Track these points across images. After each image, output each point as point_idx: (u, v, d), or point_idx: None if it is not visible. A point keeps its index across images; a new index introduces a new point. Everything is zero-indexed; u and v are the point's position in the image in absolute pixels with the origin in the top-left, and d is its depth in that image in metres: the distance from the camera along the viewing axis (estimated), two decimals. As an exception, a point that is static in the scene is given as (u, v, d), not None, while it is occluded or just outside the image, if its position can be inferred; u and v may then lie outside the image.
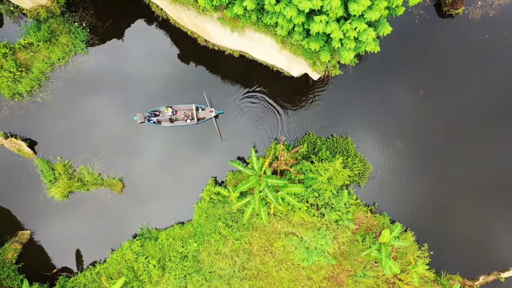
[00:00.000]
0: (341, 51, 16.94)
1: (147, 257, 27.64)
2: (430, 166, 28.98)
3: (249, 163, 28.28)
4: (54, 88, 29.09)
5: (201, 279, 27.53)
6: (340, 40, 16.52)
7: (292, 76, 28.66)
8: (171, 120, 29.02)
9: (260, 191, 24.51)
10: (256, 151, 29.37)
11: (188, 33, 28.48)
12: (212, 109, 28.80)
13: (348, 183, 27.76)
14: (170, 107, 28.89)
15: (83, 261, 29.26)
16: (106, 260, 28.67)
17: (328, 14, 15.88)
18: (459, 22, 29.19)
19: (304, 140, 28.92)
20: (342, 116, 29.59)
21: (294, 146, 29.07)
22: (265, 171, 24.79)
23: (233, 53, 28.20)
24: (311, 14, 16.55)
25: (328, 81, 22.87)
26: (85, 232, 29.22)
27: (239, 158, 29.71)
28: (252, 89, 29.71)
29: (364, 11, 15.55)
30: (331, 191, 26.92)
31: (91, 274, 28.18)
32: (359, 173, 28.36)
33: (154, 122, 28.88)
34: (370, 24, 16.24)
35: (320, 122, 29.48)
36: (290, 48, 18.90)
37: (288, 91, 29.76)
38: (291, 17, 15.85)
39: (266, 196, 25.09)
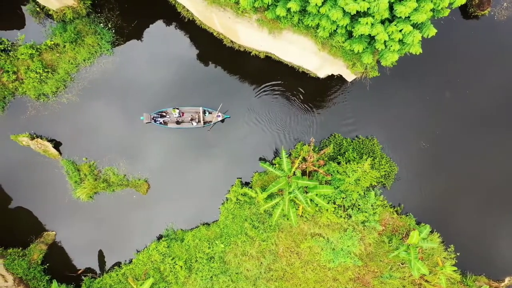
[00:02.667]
0: (384, 53, 16.95)
1: (173, 258, 27.64)
2: (455, 167, 28.97)
3: (275, 164, 28.29)
4: (80, 89, 29.06)
5: (227, 280, 27.54)
6: (384, 42, 16.52)
7: (318, 78, 28.66)
8: (177, 122, 28.90)
9: (290, 192, 24.55)
10: (288, 154, 29.38)
11: (214, 34, 28.45)
12: (219, 113, 28.74)
13: (375, 184, 27.74)
14: (177, 108, 28.76)
15: (106, 262, 29.28)
16: (131, 261, 28.69)
17: (373, 16, 15.89)
18: (485, 23, 29.16)
19: (330, 141, 28.92)
20: (367, 117, 29.55)
21: (320, 147, 29.05)
22: (294, 172, 24.82)
23: (259, 54, 28.18)
24: (355, 16, 16.55)
25: (363, 82, 22.82)
26: (110, 233, 29.27)
27: (261, 159, 29.68)
28: (276, 88, 29.69)
29: (410, 13, 15.55)
30: (358, 192, 26.89)
31: (117, 275, 28.20)
32: (385, 174, 28.35)
33: (161, 123, 28.78)
34: (414, 26, 16.24)
35: (346, 123, 29.47)
36: (329, 50, 18.88)
37: (314, 92, 29.74)
38: (337, 19, 15.84)
39: (295, 198, 25.13)
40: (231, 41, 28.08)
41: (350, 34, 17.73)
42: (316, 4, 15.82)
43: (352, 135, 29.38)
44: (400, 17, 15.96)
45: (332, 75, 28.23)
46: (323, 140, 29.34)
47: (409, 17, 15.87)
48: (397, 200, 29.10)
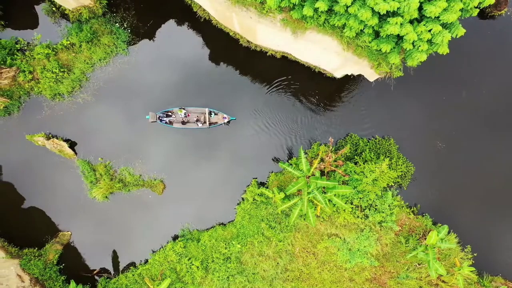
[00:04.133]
0: (412, 53, 16.88)
1: (190, 258, 27.59)
2: (472, 167, 28.90)
3: (291, 164, 28.20)
4: (95, 89, 28.99)
5: (244, 281, 27.48)
6: (412, 42, 16.46)
7: (334, 78, 28.62)
8: (183, 122, 28.85)
9: (309, 193, 24.48)
10: (305, 153, 29.35)
11: (230, 34, 28.39)
12: (225, 115, 28.71)
13: (392, 184, 27.68)
14: (183, 108, 28.70)
15: (122, 262, 29.20)
16: (147, 261, 28.63)
17: (402, 15, 15.82)
18: (502, 23, 29.10)
19: (346, 141, 28.87)
20: (382, 117, 29.51)
21: (336, 147, 28.97)
22: (313, 173, 24.76)
23: (276, 54, 28.14)
24: (383, 15, 16.49)
25: (382, 82, 22.83)
26: (125, 233, 29.20)
27: (274, 159, 29.61)
28: (290, 88, 29.66)
29: (440, 13, 15.48)
30: (375, 192, 26.83)
31: (132, 275, 28.14)
32: (402, 175, 28.29)
33: (166, 123, 28.72)
34: (443, 26, 16.17)
35: (361, 123, 29.42)
36: (354, 50, 18.82)
37: (328, 92, 29.73)
38: (366, 18, 15.78)
39: (314, 198, 25.06)
40: (248, 41, 28.01)
41: (376, 34, 17.66)
42: (345, 4, 15.75)
43: (368, 135, 29.31)
44: (430, 17, 15.90)
45: (348, 75, 28.21)
46: (339, 140, 29.28)
47: (438, 17, 15.81)
48: (413, 200, 29.04)
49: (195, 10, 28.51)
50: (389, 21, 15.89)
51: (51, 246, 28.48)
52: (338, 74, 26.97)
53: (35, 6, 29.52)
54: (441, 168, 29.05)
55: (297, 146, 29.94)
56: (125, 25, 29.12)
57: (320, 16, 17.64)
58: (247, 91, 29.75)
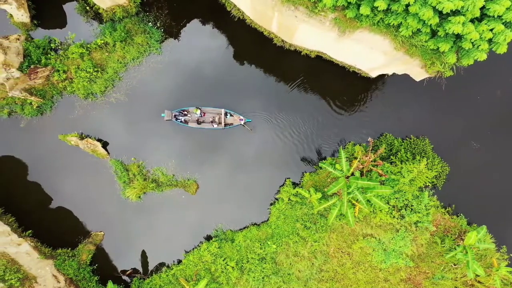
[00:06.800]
0: (472, 52, 16.75)
1: (225, 259, 27.47)
2: (505, 167, 28.77)
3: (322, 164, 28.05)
4: (128, 88, 28.86)
5: (279, 281, 27.35)
6: (471, 40, 16.35)
7: (368, 77, 28.49)
8: (198, 122, 28.77)
9: (349, 193, 24.35)
10: (332, 153, 29.35)
11: (265, 33, 28.22)
12: (242, 116, 28.65)
13: (429, 184, 27.57)
14: (199, 108, 28.60)
15: (154, 262, 29.11)
16: (180, 262, 28.52)
17: (464, 14, 15.70)
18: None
19: (381, 141, 28.73)
20: (415, 117, 29.39)
21: (371, 147, 28.83)
22: (353, 173, 24.64)
23: (310, 53, 27.96)
24: (443, 14, 16.37)
25: (439, 81, 22.69)
26: (157, 234, 29.09)
27: (303, 159, 29.48)
28: (322, 87, 29.59)
29: (503, 11, 15.36)
30: (412, 193, 26.69)
31: (166, 275, 28.04)
32: (437, 175, 28.17)
33: (181, 122, 28.61)
34: (505, 25, 16.04)
35: (394, 123, 29.30)
36: (407, 49, 18.70)
37: (361, 91, 29.60)
38: (427, 18, 15.65)
39: (353, 198, 24.95)
40: (282, 41, 27.86)
41: (433, 33, 17.54)
42: (408, 3, 15.61)
43: (401, 134, 29.19)
44: (492, 16, 15.77)
45: (383, 75, 28.09)
46: (374, 140, 29.13)
47: (501, 16, 15.68)
48: (447, 200, 28.91)
49: (228, 10, 28.35)
50: (450, 20, 15.76)
51: (84, 246, 28.38)
52: (374, 74, 26.83)
53: (66, 5, 29.38)
54: (475, 168, 28.92)
55: (326, 147, 29.83)
56: (158, 24, 28.97)
57: (376, 15, 17.51)
58: (276, 90, 29.58)
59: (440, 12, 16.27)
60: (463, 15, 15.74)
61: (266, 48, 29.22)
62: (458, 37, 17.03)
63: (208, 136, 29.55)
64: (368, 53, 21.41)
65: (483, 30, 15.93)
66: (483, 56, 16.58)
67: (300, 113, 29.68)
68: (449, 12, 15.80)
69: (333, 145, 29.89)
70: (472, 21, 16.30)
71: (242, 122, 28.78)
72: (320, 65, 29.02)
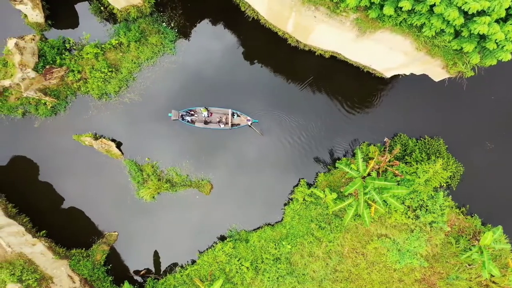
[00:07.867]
0: (496, 52, 16.75)
1: (239, 259, 27.45)
2: (519, 168, 28.80)
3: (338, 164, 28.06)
4: (142, 89, 28.86)
5: (293, 281, 27.34)
6: (495, 41, 16.35)
7: (382, 78, 28.49)
8: (205, 122, 28.77)
9: (365, 193, 24.36)
10: (344, 153, 29.36)
11: (279, 33, 28.21)
12: (249, 117, 28.65)
13: (444, 185, 27.57)
14: (207, 108, 28.59)
15: (168, 262, 29.09)
16: (194, 262, 28.51)
17: (490, 15, 15.70)
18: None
19: (395, 141, 28.72)
20: (429, 117, 29.37)
21: (384, 147, 28.84)
22: (369, 173, 24.64)
23: (325, 54, 27.95)
24: (468, 15, 16.37)
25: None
26: (171, 234, 29.06)
27: (316, 159, 29.48)
28: (335, 87, 29.60)
29: (529, 12, 15.39)
30: (427, 193, 26.70)
31: (181, 275, 28.03)
32: (452, 175, 28.17)
33: (188, 122, 28.60)
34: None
35: (408, 123, 29.30)
36: (429, 49, 18.69)
37: (374, 91, 29.60)
38: (453, 18, 15.66)
39: (369, 198, 24.96)
40: (297, 41, 27.84)
41: (456, 34, 17.53)
42: (434, 4, 15.61)
43: (416, 135, 29.19)
44: (517, 16, 15.79)
45: (396, 75, 28.08)
46: (389, 140, 29.10)
47: (526, 16, 15.71)
48: (461, 200, 28.89)
49: (243, 10, 28.33)
50: (476, 21, 15.76)
51: (98, 246, 28.36)
52: (389, 74, 26.82)
53: (79, 6, 29.37)
54: (490, 168, 28.90)
55: (339, 147, 29.84)
56: (172, 25, 28.96)
57: (399, 15, 17.51)
58: (288, 90, 29.56)
59: (465, 13, 16.28)
60: (489, 15, 15.75)
61: (280, 48, 29.22)
62: (482, 37, 17.03)
63: (219, 136, 29.52)
64: (387, 53, 21.41)
65: (508, 31, 15.93)
66: (507, 57, 16.58)
67: (312, 113, 29.66)
68: (474, 12, 15.80)
69: (345, 145, 29.88)
70: (497, 21, 16.30)
71: (249, 123, 28.77)
72: (334, 65, 29.01)
